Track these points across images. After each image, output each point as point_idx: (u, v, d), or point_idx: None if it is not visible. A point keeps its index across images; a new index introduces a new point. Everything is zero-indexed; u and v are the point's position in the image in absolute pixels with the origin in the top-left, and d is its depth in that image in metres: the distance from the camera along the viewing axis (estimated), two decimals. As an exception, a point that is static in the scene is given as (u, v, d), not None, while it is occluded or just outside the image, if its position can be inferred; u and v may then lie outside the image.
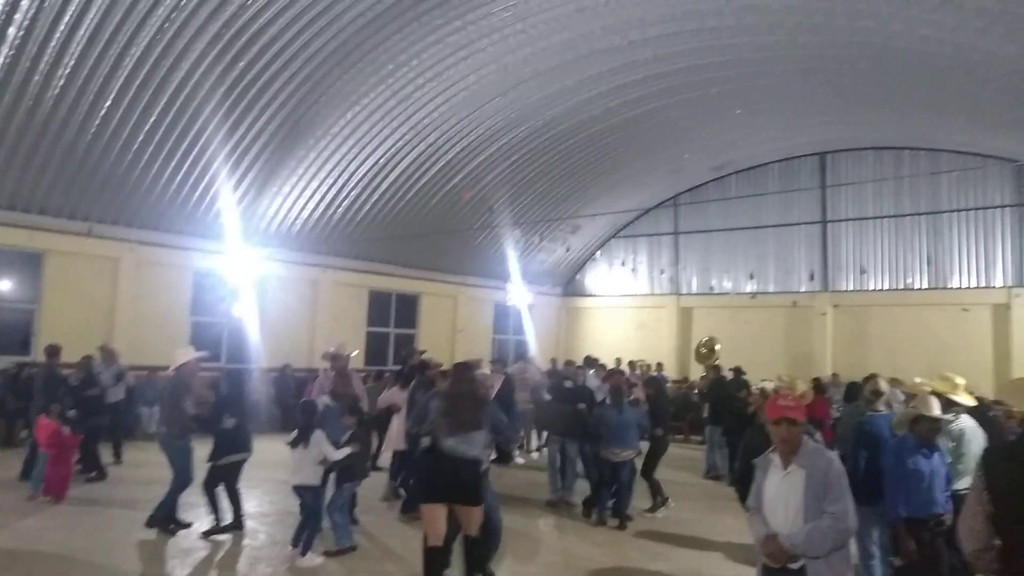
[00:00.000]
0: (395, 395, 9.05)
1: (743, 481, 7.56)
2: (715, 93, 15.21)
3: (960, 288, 17.87)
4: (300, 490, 6.65)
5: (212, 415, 7.48)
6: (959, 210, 17.89)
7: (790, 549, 3.78)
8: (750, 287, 20.93)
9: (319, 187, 15.61)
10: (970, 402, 6.05)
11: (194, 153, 13.35)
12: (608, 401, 9.05)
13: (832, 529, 3.68)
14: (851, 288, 19.45)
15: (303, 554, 6.47)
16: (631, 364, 18.12)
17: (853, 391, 9.19)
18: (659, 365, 18.58)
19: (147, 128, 12.45)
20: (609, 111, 15.90)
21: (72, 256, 13.52)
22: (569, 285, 24.56)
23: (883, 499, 5.58)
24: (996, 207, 17.46)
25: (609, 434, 8.62)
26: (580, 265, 24.26)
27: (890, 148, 18.71)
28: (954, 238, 18.03)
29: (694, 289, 22.16)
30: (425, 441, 5.57)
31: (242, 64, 11.97)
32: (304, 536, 6.52)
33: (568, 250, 22.55)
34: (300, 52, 12.10)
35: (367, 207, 16.68)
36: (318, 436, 6.65)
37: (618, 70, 14.11)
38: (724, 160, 20.04)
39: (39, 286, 13.38)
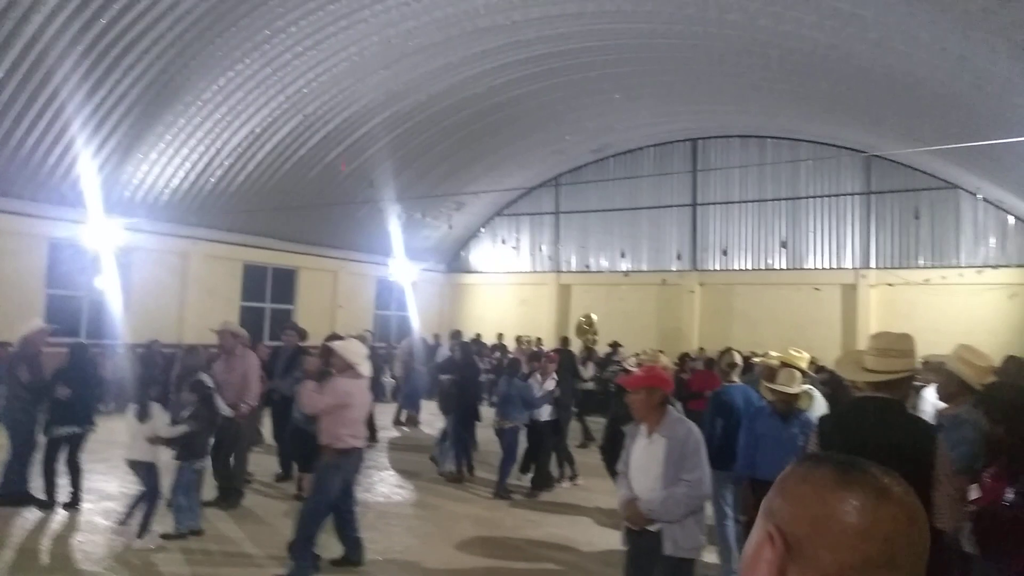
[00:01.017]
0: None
1: (608, 449, 7.96)
2: (595, 77, 15.59)
3: (814, 269, 19.27)
4: (134, 466, 6.41)
5: (46, 385, 7.16)
6: (815, 196, 19.24)
7: (647, 513, 4.04)
8: (624, 265, 21.73)
9: (190, 155, 14.87)
10: (812, 374, 6.63)
11: (49, 115, 12.37)
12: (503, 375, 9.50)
13: (686, 496, 3.91)
14: (717, 268, 20.56)
15: (139, 535, 6.23)
16: (517, 339, 18.51)
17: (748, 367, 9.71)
18: (538, 340, 19.04)
19: (-8, 85, 11.44)
20: (493, 89, 15.98)
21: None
22: (453, 262, 24.63)
23: (736, 463, 6.03)
24: (847, 194, 18.90)
25: (497, 404, 9.12)
26: (464, 242, 24.37)
27: (755, 136, 19.84)
28: (810, 222, 19.39)
29: (573, 267, 22.77)
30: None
31: (104, 21, 11.17)
32: (139, 516, 6.29)
33: (451, 227, 22.57)
34: (168, 12, 11.41)
35: (242, 177, 16.05)
36: (155, 411, 6.46)
37: (501, 49, 14.20)
38: (603, 143, 20.61)
39: None
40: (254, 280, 18.33)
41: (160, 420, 6.43)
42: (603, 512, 7.92)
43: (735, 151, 20.24)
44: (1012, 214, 16.78)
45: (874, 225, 18.61)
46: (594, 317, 18.15)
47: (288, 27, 12.48)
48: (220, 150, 15.09)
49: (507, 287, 23.52)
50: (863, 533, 0.90)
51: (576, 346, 14.44)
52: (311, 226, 18.69)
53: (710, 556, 6.07)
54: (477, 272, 24.37)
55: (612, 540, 6.39)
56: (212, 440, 6.95)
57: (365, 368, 5.82)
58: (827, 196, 19.10)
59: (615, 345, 15.11)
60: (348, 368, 5.72)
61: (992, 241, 17.21)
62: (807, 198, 19.34)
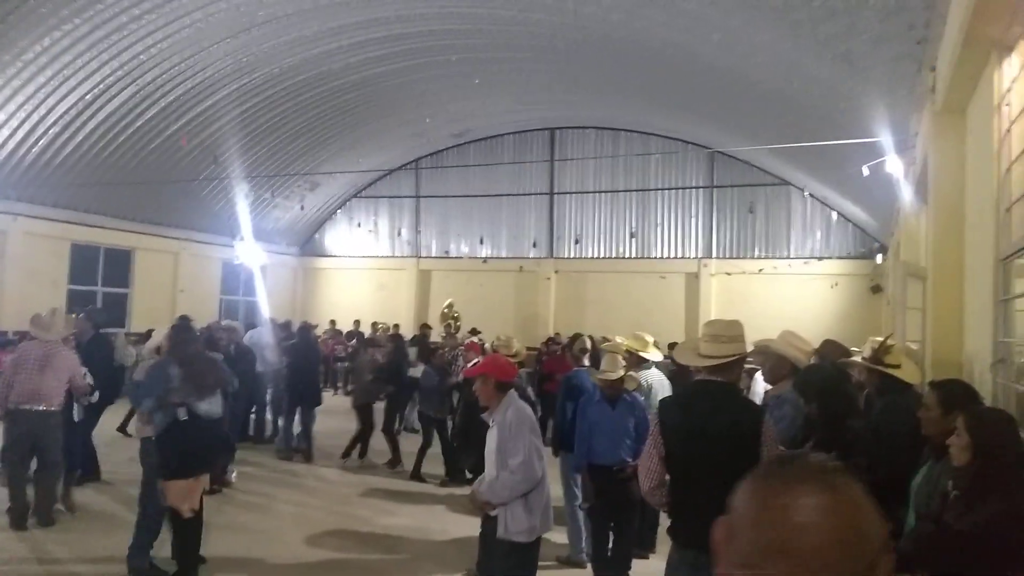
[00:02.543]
0: None
1: (460, 435, 8.01)
2: (456, 60, 15.48)
3: (660, 258, 20.23)
4: None
5: None
6: (662, 189, 20.18)
7: (480, 497, 4.08)
8: (484, 252, 21.87)
9: (8, 121, 13.40)
10: (658, 357, 6.93)
11: None
12: None
13: (510, 480, 3.90)
14: (572, 255, 21.13)
15: None
16: (373, 325, 18.19)
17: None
18: (395, 326, 18.83)
19: None
20: (349, 67, 15.50)
21: None
22: (307, 245, 23.81)
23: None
24: (692, 188, 19.96)
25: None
26: (318, 224, 23.61)
27: (610, 129, 20.49)
28: (658, 213, 20.31)
29: (433, 252, 22.64)
30: (181, 412, 5.18)
31: None
32: None
33: (303, 208, 21.76)
34: (-21, -41, 10.23)
35: (69, 148, 14.68)
36: None
37: (359, 25, 13.77)
38: (463, 127, 20.56)
39: None
40: (84, 261, 16.83)
41: None
42: (456, 499, 7.94)
43: (590, 142, 20.83)
44: (835, 210, 18.34)
45: (715, 217, 19.77)
46: (456, 309, 18.15)
47: (123, -13, 11.50)
48: (44, 117, 13.71)
49: (364, 272, 23.04)
50: (760, 521, 0.97)
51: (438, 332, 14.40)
52: (149, 204, 17.41)
53: (560, 537, 6.25)
54: (332, 256, 23.70)
55: (467, 527, 6.43)
56: None
57: None
58: (674, 189, 20.09)
59: (474, 331, 15.18)
60: None
61: (818, 235, 18.77)
62: (655, 190, 20.24)
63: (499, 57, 15.50)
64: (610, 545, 5.43)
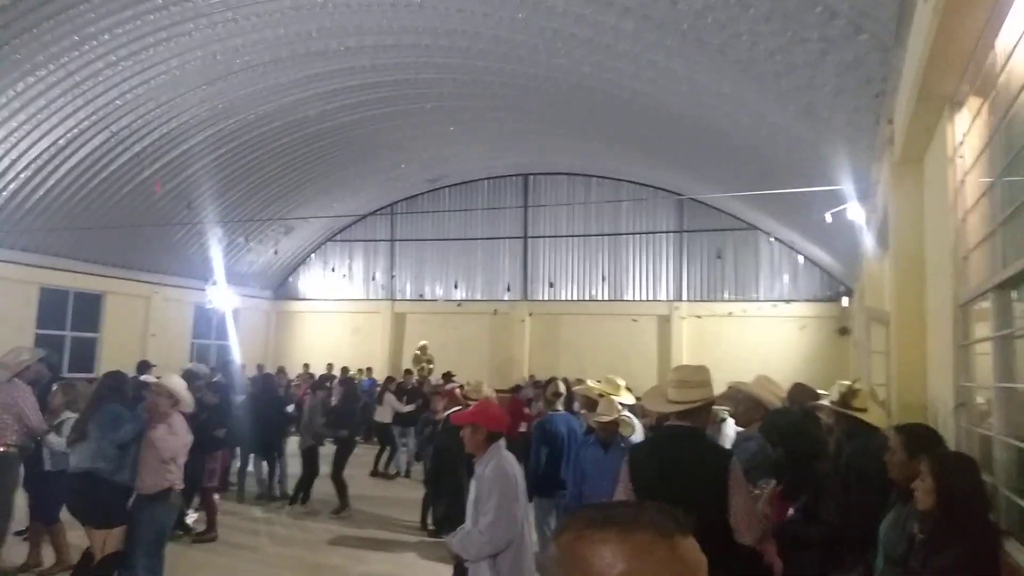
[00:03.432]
0: None
1: (430, 483, 7.93)
2: (430, 108, 15.74)
3: (632, 300, 20.44)
4: None
5: None
6: (634, 233, 20.49)
7: (452, 548, 4.03)
8: (458, 295, 21.93)
9: (-23, 165, 13.33)
10: (630, 400, 6.99)
11: None
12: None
13: (477, 539, 3.76)
14: (545, 298, 21.27)
15: None
16: (343, 370, 18.06)
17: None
18: (368, 370, 18.79)
19: None
20: (325, 114, 15.67)
21: None
22: (280, 288, 23.70)
23: (560, 490, 6.22)
24: (662, 232, 20.29)
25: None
26: (293, 268, 23.54)
27: (581, 175, 20.86)
28: (629, 257, 20.59)
29: (408, 295, 22.65)
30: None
31: None
32: None
33: (276, 252, 21.71)
34: (-45, 6, 10.26)
35: (40, 193, 14.56)
36: None
37: (334, 74, 13.98)
38: (438, 173, 20.79)
39: None
40: (52, 305, 16.57)
41: None
42: (428, 545, 7.86)
43: (563, 188, 21.15)
44: (802, 254, 18.74)
45: (686, 261, 20.08)
46: (429, 352, 18.12)
47: (101, 34, 11.57)
48: (15, 161, 13.64)
49: (339, 315, 22.94)
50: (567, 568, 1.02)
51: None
52: (121, 248, 17.26)
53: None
54: (306, 299, 23.59)
55: (439, 574, 6.36)
56: None
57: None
58: (645, 233, 20.40)
59: (448, 375, 15.15)
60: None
61: (785, 278, 19.12)
62: (627, 234, 20.54)
63: (473, 105, 15.78)
64: None
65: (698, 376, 3.61)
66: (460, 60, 13.25)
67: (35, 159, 13.81)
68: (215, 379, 10.72)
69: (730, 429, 7.29)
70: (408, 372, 14.10)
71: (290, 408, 10.83)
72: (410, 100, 15.38)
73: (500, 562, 3.78)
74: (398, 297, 22.65)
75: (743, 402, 5.08)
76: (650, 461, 3.50)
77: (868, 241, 8.97)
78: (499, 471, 3.87)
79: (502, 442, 4.04)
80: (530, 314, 21.07)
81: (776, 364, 15.13)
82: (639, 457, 3.60)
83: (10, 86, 12.15)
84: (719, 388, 3.99)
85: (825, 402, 4.70)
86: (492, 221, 21.60)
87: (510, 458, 4.04)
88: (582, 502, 5.46)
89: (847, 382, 4.43)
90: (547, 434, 6.51)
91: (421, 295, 22.51)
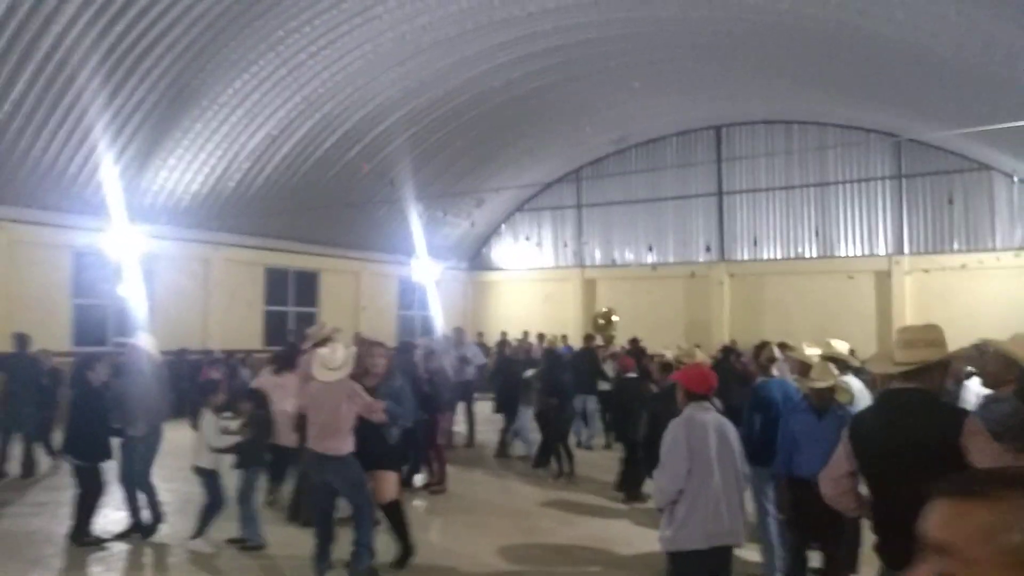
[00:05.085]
0: (266, 381, 7.61)
1: (645, 448, 7.73)
2: (614, 66, 15.31)
3: (846, 257, 18.82)
4: (197, 471, 6.40)
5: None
6: (844, 182, 18.78)
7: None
8: (650, 258, 21.40)
9: (208, 159, 14.82)
10: (856, 364, 6.34)
11: (70, 122, 12.39)
12: None
13: (655, 489, 4.27)
14: (746, 258, 20.16)
15: (193, 536, 6.26)
16: (539, 336, 18.27)
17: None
18: (564, 337, 18.84)
19: (14, 96, 11.43)
20: (510, 83, 15.76)
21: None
22: (475, 259, 24.45)
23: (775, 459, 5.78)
24: (878, 179, 18.43)
25: None
26: (485, 239, 24.17)
27: (781, 122, 19.40)
28: (840, 209, 18.94)
29: (597, 261, 22.47)
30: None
31: (119, 28, 11.13)
32: (200, 518, 6.31)
33: (473, 224, 22.38)
34: (183, 16, 11.35)
35: (260, 180, 15.98)
36: (205, 419, 6.36)
37: (518, 42, 13.96)
38: (624, 133, 20.29)
39: None
40: (276, 283, 18.28)
41: (211, 429, 6.31)
42: (640, 512, 7.68)
43: (760, 138, 19.82)
44: (1050, 194, 16.24)
45: (906, 210, 18.14)
46: (613, 314, 17.77)
47: (302, 27, 12.36)
48: (238, 153, 15.03)
49: (530, 283, 23.28)
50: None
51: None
52: (332, 227, 18.59)
53: (752, 554, 5.86)
54: (499, 269, 24.16)
55: (653, 541, 6.16)
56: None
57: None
58: (857, 181, 18.64)
59: (634, 341, 14.71)
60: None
61: (1029, 222, 16.71)
62: (837, 183, 18.88)
63: (659, 58, 15.14)
64: (811, 565, 5.12)
65: (928, 335, 3.20)
66: (645, 12, 12.73)
67: (253, 149, 15.13)
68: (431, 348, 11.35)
69: (974, 388, 6.42)
70: (589, 337, 13.73)
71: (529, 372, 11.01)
72: (593, 60, 15.05)
73: (676, 511, 3.96)
74: (587, 263, 22.54)
75: (993, 361, 4.37)
76: (875, 428, 3.17)
77: None
78: (674, 426, 4.06)
79: (695, 405, 4.13)
80: (730, 275, 20.08)
81: (1018, 322, 13.23)
82: (860, 424, 3.29)
83: (228, 84, 13.34)
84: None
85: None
86: (683, 179, 20.76)
87: (700, 418, 4.08)
88: (792, 472, 5.12)
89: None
90: (761, 400, 6.07)
91: (612, 260, 22.22)
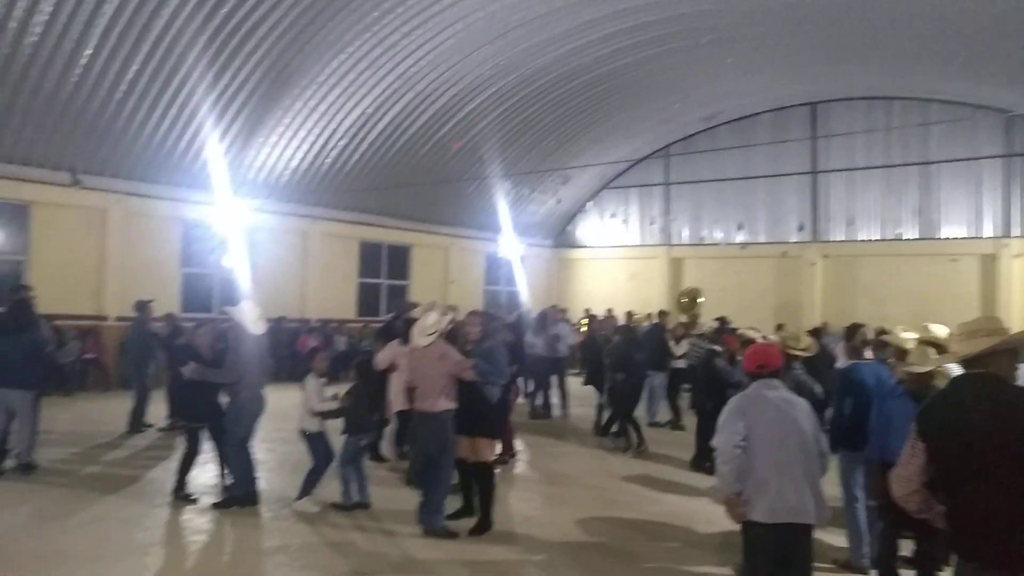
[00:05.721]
0: (398, 352, 7.80)
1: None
2: (706, 43, 15.02)
3: (949, 239, 17.98)
4: (302, 435, 6.74)
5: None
6: (949, 160, 17.89)
7: None
8: (740, 237, 20.98)
9: (306, 136, 15.43)
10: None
11: (179, 101, 13.14)
12: None
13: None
14: (841, 238, 19.52)
15: (298, 497, 6.58)
16: (628, 315, 18.22)
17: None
18: (650, 315, 18.77)
19: (130, 76, 12.22)
20: (598, 60, 15.69)
21: (59, 207, 13.39)
22: (560, 236, 24.54)
23: (867, 444, 5.71)
24: (985, 158, 17.47)
25: None
26: (571, 216, 24.21)
27: (881, 98, 18.60)
28: (943, 188, 18.06)
29: (685, 239, 22.20)
30: None
31: (224, 10, 11.71)
32: (305, 480, 6.63)
33: (559, 201, 22.47)
34: (283, -1, 11.84)
35: (355, 157, 16.52)
36: (307, 383, 6.72)
37: (608, 19, 13.88)
38: (714, 110, 19.89)
39: (27, 238, 13.26)
40: (370, 257, 18.94)
41: (313, 394, 6.65)
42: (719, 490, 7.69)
43: (858, 114, 19.07)
44: None
45: (1019, 190, 17.14)
46: (699, 294, 17.46)
47: (396, 7, 12.66)
48: (335, 131, 15.57)
49: (615, 261, 23.23)
50: None
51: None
52: (423, 204, 19.06)
53: (839, 539, 5.83)
54: (584, 247, 24.18)
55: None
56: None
57: None
58: (963, 160, 17.71)
59: (722, 320, 14.50)
60: None
61: None
62: (940, 162, 18.00)
63: (753, 33, 14.76)
64: (901, 553, 5.02)
65: (990, 325, 3.15)
66: (741, -15, 12.42)
67: (349, 127, 15.64)
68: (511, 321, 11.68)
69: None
70: (663, 314, 13.52)
71: None
72: (684, 36, 14.81)
73: (746, 490, 3.97)
74: (674, 242, 22.29)
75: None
76: (949, 416, 3.07)
77: None
78: (732, 399, 4.17)
79: (760, 382, 4.16)
80: (824, 256, 19.50)
81: None
82: (932, 413, 3.17)
83: (326, 65, 13.81)
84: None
85: None
86: (775, 157, 20.20)
87: (762, 394, 4.11)
88: (885, 458, 5.00)
89: None
90: (852, 384, 5.97)
91: (700, 239, 21.91)
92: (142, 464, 8.21)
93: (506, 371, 6.67)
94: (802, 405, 4.20)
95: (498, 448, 8.86)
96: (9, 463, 7.50)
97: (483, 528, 6.16)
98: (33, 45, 10.95)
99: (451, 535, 5.99)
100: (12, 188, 12.75)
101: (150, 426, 9.91)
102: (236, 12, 11.82)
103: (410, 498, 6.44)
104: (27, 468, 7.41)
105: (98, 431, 9.80)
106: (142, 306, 10.41)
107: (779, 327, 9.55)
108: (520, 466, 8.83)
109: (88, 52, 11.44)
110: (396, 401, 7.56)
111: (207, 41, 12.09)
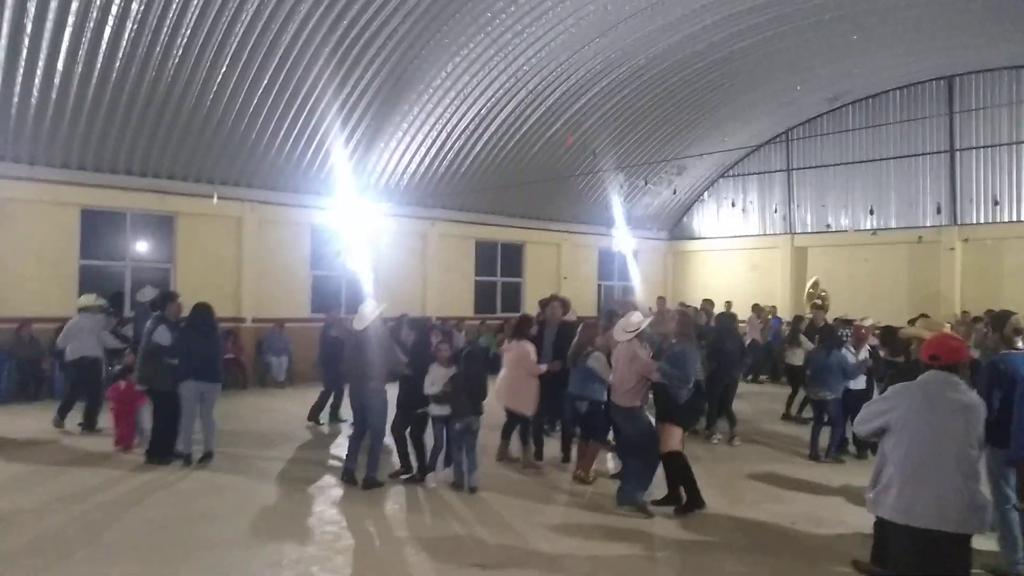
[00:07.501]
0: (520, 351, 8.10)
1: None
2: (828, 19, 14.33)
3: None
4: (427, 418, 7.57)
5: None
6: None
7: None
8: (870, 223, 19.88)
9: (424, 140, 15.88)
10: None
11: (305, 112, 13.85)
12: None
13: None
14: (983, 221, 18.14)
15: (421, 476, 7.44)
16: (754, 308, 17.74)
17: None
18: (773, 308, 18.24)
19: (260, 91, 12.99)
20: (713, 46, 15.27)
21: (200, 217, 14.40)
22: (675, 228, 24.07)
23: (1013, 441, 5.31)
24: None
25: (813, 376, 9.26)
26: (686, 207, 23.70)
27: (1028, 66, 17.12)
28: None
29: (809, 227, 21.26)
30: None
31: (345, 22, 12.22)
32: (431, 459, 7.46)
33: (675, 192, 22.03)
34: (400, 7, 12.22)
35: (470, 158, 16.85)
36: (431, 371, 7.35)
37: (722, 2, 13.50)
38: (839, 90, 18.93)
39: (172, 246, 14.36)
40: (485, 255, 19.30)
41: (428, 380, 7.31)
42: (852, 490, 7.36)
43: (1002, 85, 17.62)
44: None
45: None
46: (822, 288, 16.57)
47: (508, 7, 12.81)
48: (450, 133, 15.95)
49: (734, 252, 22.54)
50: None
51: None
52: (535, 201, 19.20)
53: (991, 544, 5.45)
54: (701, 238, 23.60)
55: (867, 519, 5.93)
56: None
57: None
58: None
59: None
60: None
61: None
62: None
63: (881, 6, 13.95)
64: None
65: None
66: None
67: (464, 129, 15.97)
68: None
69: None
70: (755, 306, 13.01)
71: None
72: (805, 14, 14.19)
73: (880, 477, 3.87)
74: (798, 230, 21.38)
75: None
76: None
77: None
78: (894, 386, 4.16)
79: (943, 374, 3.93)
80: (965, 240, 18.18)
81: None
82: None
83: (441, 69, 14.16)
84: None
85: None
86: (908, 136, 19.00)
87: (929, 388, 3.89)
88: None
89: None
90: (1001, 375, 5.55)
91: (826, 226, 20.91)
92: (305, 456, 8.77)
93: (692, 376, 6.70)
94: (976, 408, 3.91)
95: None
96: (197, 451, 8.12)
97: (692, 506, 6.60)
98: (174, 67, 11.85)
99: (646, 512, 6.48)
100: (160, 201, 13.84)
101: (342, 421, 10.48)
102: (356, 23, 12.32)
103: (530, 490, 6.62)
104: (208, 457, 8.11)
105: (263, 424, 10.66)
106: (327, 308, 11.46)
107: (921, 317, 8.94)
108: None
109: (222, 70, 12.25)
110: (498, 396, 8.02)
111: (330, 53, 12.68)
